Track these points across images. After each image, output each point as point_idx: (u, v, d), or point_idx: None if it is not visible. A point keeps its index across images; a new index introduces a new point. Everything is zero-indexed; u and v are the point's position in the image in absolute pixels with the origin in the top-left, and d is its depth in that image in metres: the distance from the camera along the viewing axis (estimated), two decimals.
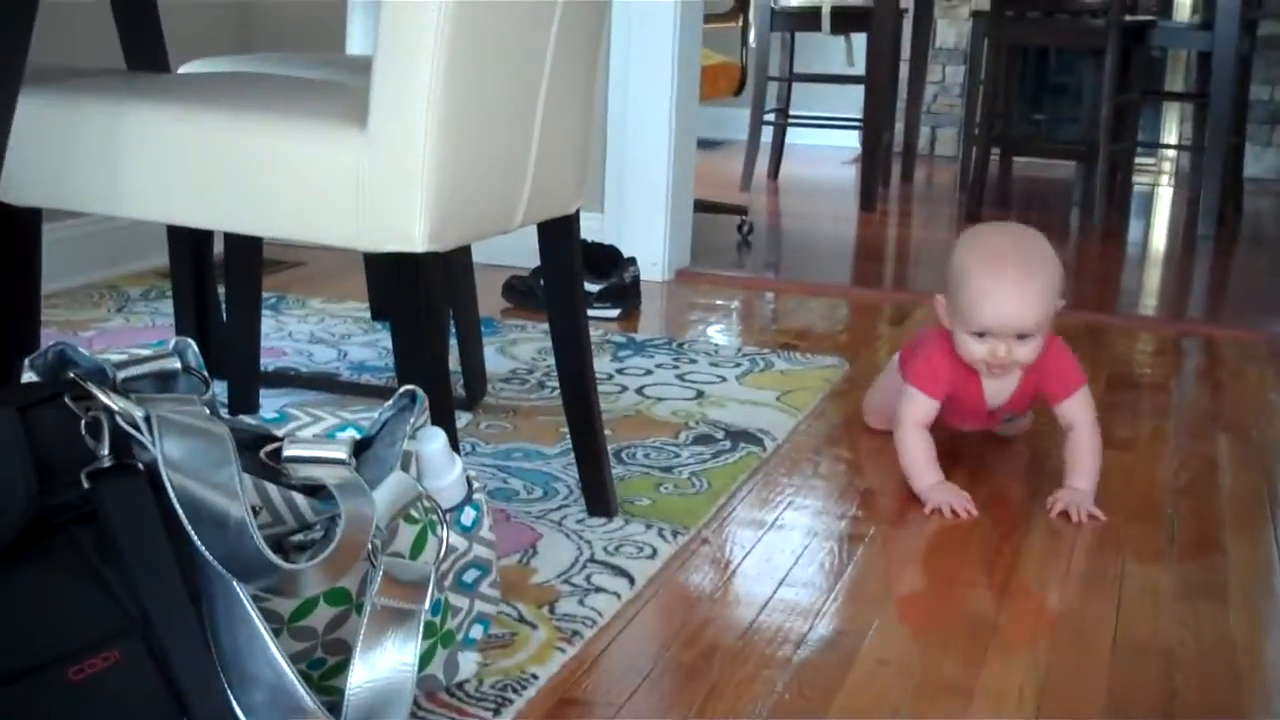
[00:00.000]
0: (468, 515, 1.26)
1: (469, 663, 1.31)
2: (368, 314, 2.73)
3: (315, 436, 1.17)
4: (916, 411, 1.93)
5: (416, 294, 1.40)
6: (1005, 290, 1.84)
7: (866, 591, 1.61)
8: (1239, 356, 2.90)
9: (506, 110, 1.47)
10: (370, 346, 2.53)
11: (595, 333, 2.69)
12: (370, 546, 1.08)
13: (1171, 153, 6.44)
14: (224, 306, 2.10)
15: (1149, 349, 2.94)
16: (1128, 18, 4.53)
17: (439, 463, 1.22)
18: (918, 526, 1.82)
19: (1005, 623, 1.54)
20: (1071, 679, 1.42)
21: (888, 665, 1.42)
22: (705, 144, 5.74)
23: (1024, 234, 1.95)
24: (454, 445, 1.31)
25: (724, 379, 2.44)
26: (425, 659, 1.24)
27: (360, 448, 1.16)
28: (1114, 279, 4.02)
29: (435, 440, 1.22)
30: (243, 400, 2.03)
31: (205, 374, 1.12)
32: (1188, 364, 2.93)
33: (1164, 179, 6.46)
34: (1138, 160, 6.11)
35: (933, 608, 1.59)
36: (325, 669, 1.17)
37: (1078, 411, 1.93)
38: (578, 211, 1.72)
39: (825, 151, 6.42)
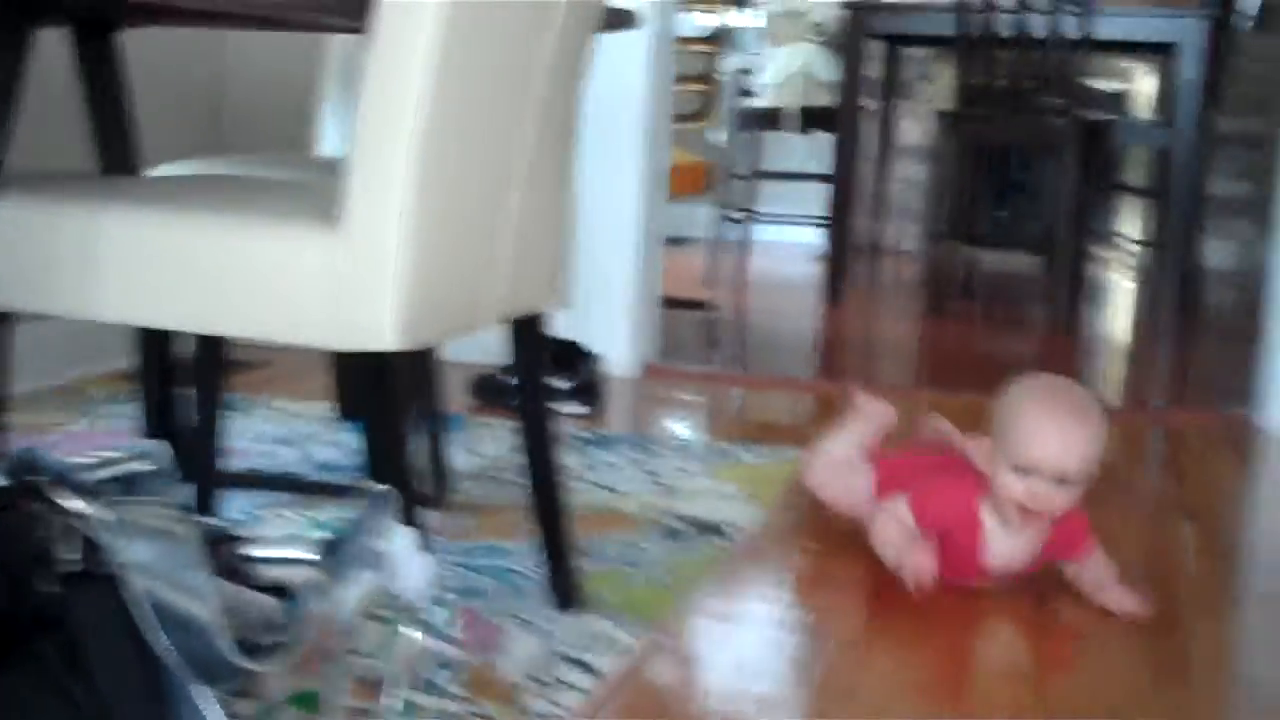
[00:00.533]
0: (436, 615, 1.26)
1: None
2: (332, 414, 2.73)
3: (283, 536, 1.17)
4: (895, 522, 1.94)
5: (386, 392, 1.41)
6: (1057, 427, 1.85)
7: (833, 686, 1.61)
8: (1201, 443, 2.93)
9: (481, 207, 1.49)
10: (335, 446, 2.53)
11: (562, 429, 2.70)
12: (337, 648, 1.08)
13: (1133, 246, 6.54)
14: (193, 408, 2.10)
15: (1113, 440, 2.96)
16: (1088, 115, 4.62)
17: (408, 562, 1.23)
18: (883, 618, 1.83)
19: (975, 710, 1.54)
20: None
21: None
22: (673, 241, 5.80)
23: (1077, 387, 1.97)
24: (422, 543, 1.32)
25: (690, 473, 2.45)
26: None
27: (329, 547, 1.16)
28: (1076, 371, 4.05)
29: (404, 539, 1.22)
30: (206, 501, 2.02)
31: (179, 477, 1.12)
32: (1151, 451, 2.96)
33: (1126, 271, 6.56)
34: (1099, 253, 6.20)
35: (899, 699, 1.59)
36: None
37: (1101, 565, 1.93)
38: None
39: (793, 249, 6.49)
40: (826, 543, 2.14)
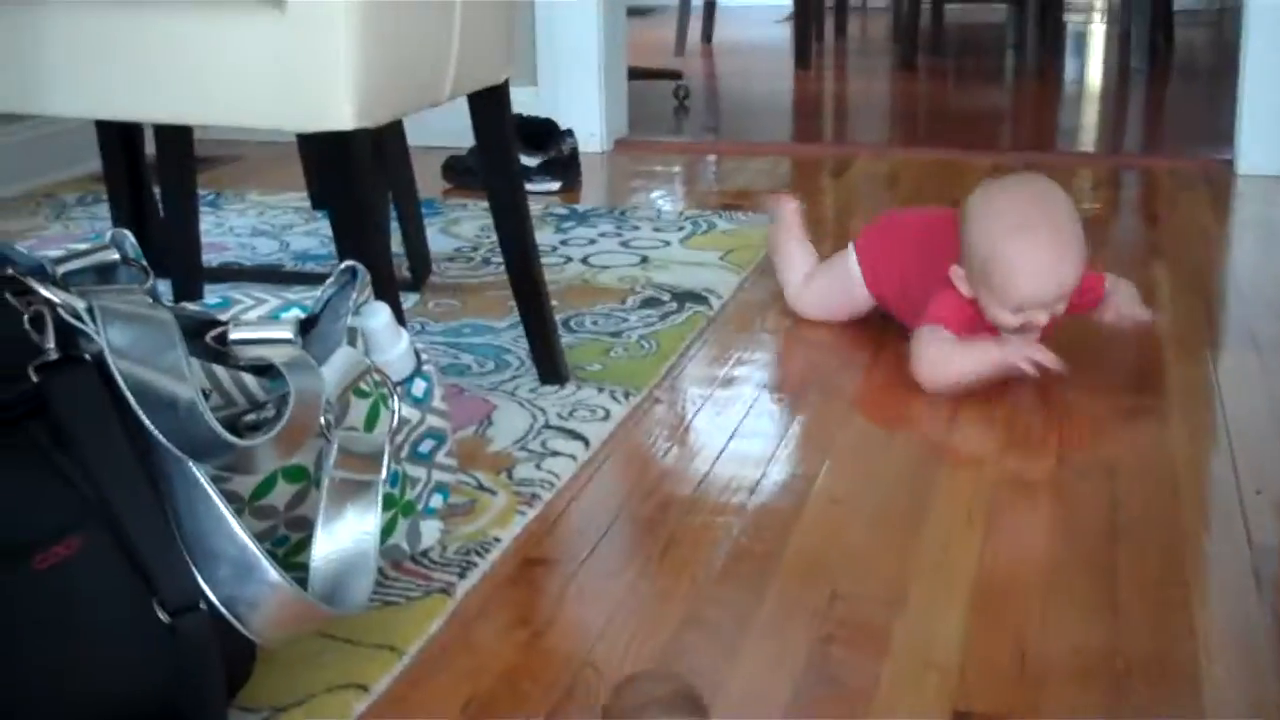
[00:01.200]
0: (418, 387, 1.28)
1: (432, 531, 1.33)
2: (308, 204, 2.72)
3: (260, 318, 1.18)
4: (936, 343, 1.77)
5: (350, 173, 1.40)
6: (1042, 260, 1.70)
7: (817, 437, 1.65)
8: (1175, 185, 2.93)
9: None
10: (312, 235, 2.53)
11: (537, 206, 2.69)
12: (323, 421, 1.09)
13: None
14: (160, 205, 2.09)
15: (1087, 184, 2.97)
16: None
17: (385, 336, 1.24)
18: (865, 373, 1.86)
19: (951, 453, 1.58)
20: (1018, 498, 1.46)
21: (840, 503, 1.46)
22: (636, 11, 5.68)
23: (1039, 187, 1.79)
24: (399, 319, 1.33)
25: (668, 243, 2.45)
26: (388, 530, 1.27)
27: (305, 326, 1.17)
28: (1051, 118, 4.04)
29: (379, 315, 1.23)
30: (188, 297, 2.03)
31: (144, 264, 1.12)
32: (1125, 196, 2.96)
33: (1096, 16, 6.46)
34: None
35: (882, 446, 1.63)
36: (290, 546, 1.20)
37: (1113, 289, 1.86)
38: (507, 82, 1.71)
39: (759, 11, 6.37)
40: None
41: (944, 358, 1.74)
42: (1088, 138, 3.78)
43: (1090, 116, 4.10)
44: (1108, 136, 3.78)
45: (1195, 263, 2.35)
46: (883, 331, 1.96)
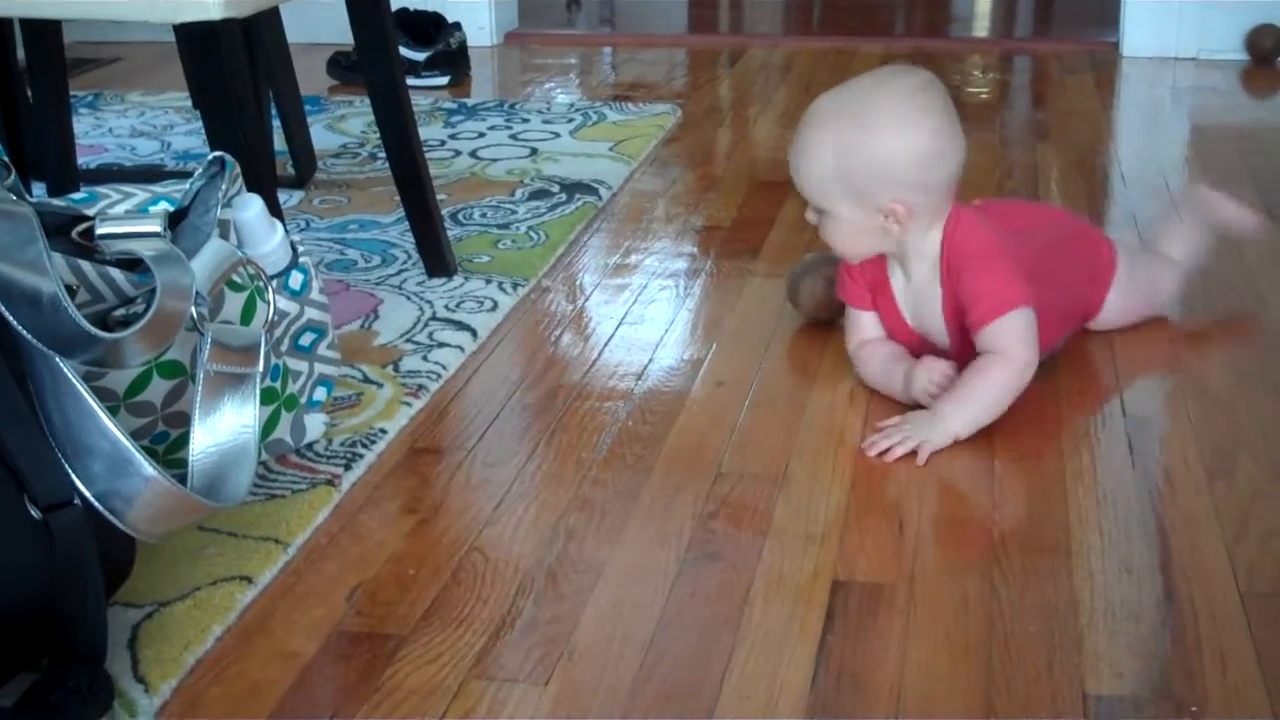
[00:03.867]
0: (295, 279, 1.27)
1: (316, 424, 1.33)
2: (189, 103, 2.66)
3: (127, 212, 1.15)
4: (855, 333, 1.47)
5: (219, 65, 1.37)
6: (794, 140, 1.41)
7: (704, 322, 1.66)
8: (1063, 69, 2.96)
9: None
10: (194, 135, 2.47)
11: (425, 101, 2.66)
12: (195, 314, 1.08)
13: None
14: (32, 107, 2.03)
15: (977, 70, 2.98)
16: None
17: (258, 229, 1.22)
18: (757, 258, 1.86)
19: (835, 334, 1.59)
20: None
21: (725, 385, 1.47)
22: None
23: (878, 86, 1.39)
24: (274, 213, 1.31)
25: (557, 135, 2.43)
26: (270, 424, 1.26)
27: (174, 220, 1.15)
28: (943, 5, 4.04)
29: (251, 206, 1.21)
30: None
31: (4, 159, 1.09)
32: (1016, 81, 2.98)
33: None
34: None
35: (767, 331, 1.64)
36: (169, 443, 1.19)
37: (1001, 341, 1.35)
38: None
39: None
40: (694, 192, 2.16)
41: (861, 374, 1.46)
42: (980, 24, 3.79)
43: (983, 3, 4.11)
44: (999, 22, 3.80)
45: (1080, 145, 2.38)
46: (774, 226, 1.97)
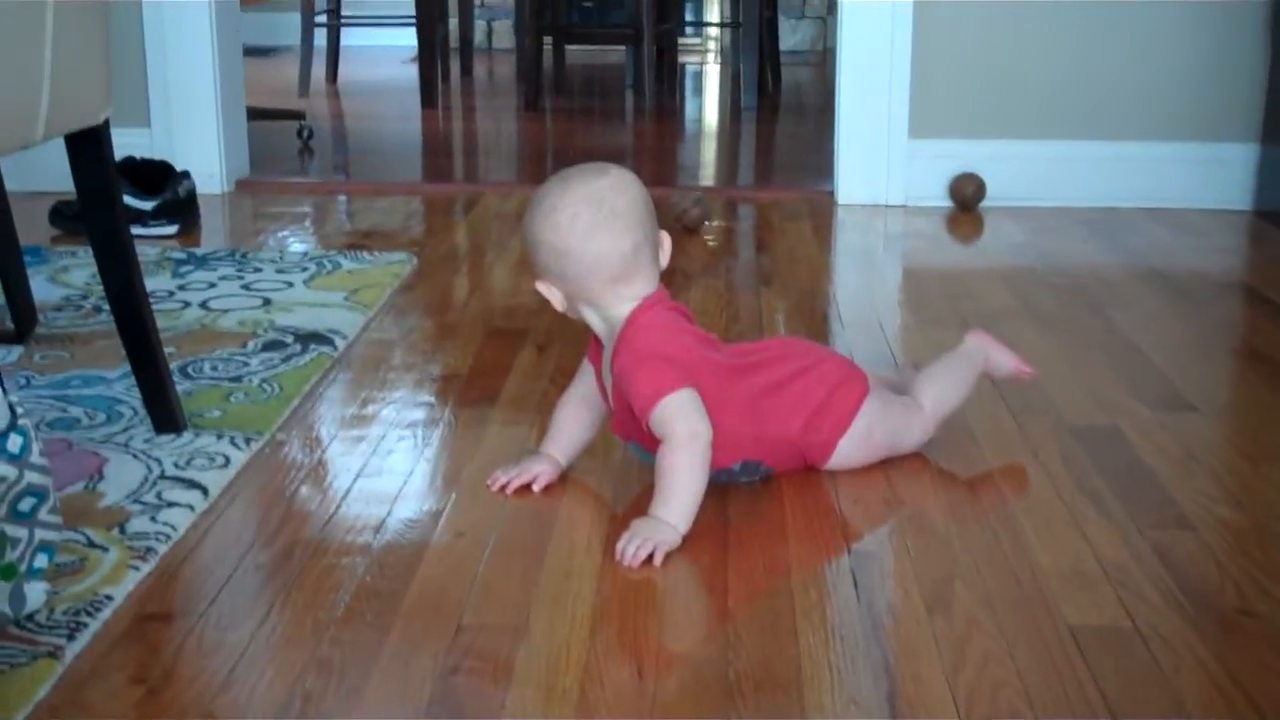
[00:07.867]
0: (14, 442, 1.22)
1: (37, 593, 1.27)
2: None
3: None
4: (575, 381, 1.65)
5: None
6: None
7: (444, 471, 1.66)
8: (783, 216, 3.10)
9: (13, 23, 1.40)
10: None
11: (153, 250, 2.61)
12: None
13: (715, 31, 6.74)
14: None
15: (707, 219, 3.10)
16: None
17: None
18: (495, 405, 1.88)
19: (572, 485, 1.62)
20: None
21: (465, 536, 1.47)
22: (258, 51, 5.58)
23: (564, 178, 1.51)
24: None
25: (291, 284, 2.42)
26: None
27: None
28: (670, 154, 4.20)
29: None
30: None
31: None
32: (741, 227, 3.11)
33: (710, 57, 6.76)
34: (684, 40, 6.36)
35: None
36: None
37: (663, 428, 1.47)
38: (108, 122, 1.66)
39: (384, 52, 6.36)
40: (431, 340, 2.17)
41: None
42: (706, 173, 3.95)
43: (708, 153, 4.29)
44: (723, 171, 3.96)
45: (801, 288, 2.49)
46: (511, 374, 2.00)
